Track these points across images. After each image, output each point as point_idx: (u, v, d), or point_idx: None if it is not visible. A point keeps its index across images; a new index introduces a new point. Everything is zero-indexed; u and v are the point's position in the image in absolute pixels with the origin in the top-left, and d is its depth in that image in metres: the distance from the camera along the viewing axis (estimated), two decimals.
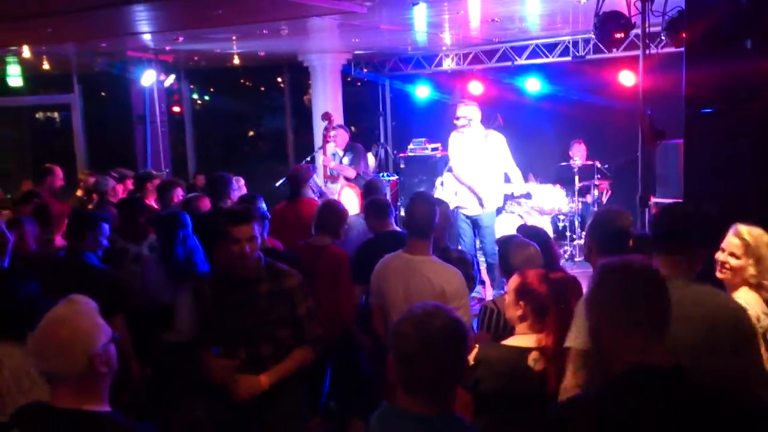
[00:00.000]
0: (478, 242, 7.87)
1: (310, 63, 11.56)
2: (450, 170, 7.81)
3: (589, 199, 9.59)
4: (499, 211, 8.05)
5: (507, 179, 7.78)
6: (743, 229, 3.34)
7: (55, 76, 12.84)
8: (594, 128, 10.18)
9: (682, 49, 4.66)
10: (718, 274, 3.33)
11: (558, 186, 9.70)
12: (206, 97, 15.04)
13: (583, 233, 6.87)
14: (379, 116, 13.33)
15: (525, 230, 4.34)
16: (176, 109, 13.91)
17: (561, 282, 3.02)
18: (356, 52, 11.66)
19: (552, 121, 10.91)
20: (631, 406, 1.83)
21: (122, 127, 13.10)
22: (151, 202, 6.77)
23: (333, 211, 4.75)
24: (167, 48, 10.39)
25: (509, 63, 10.73)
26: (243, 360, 3.55)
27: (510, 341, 3.05)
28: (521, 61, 10.64)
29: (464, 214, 7.53)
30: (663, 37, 6.26)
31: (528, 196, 9.79)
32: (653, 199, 7.34)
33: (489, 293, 7.06)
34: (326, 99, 11.39)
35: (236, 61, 11.49)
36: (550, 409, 2.07)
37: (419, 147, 10.93)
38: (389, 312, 3.95)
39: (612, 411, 1.84)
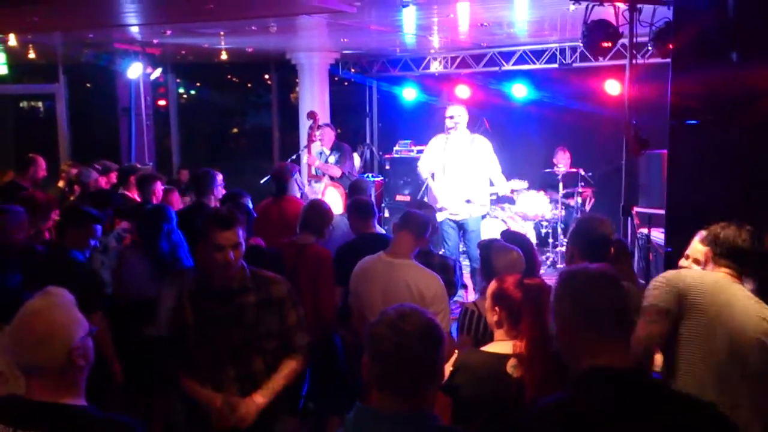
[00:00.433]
0: (462, 246, 7.89)
1: (298, 61, 11.55)
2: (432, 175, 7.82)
3: (572, 203, 9.64)
4: (483, 215, 8.07)
5: (491, 184, 7.82)
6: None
7: (40, 65, 12.72)
8: (579, 136, 10.23)
9: (669, 59, 4.70)
10: None
11: (542, 192, 9.75)
12: (192, 92, 14.96)
13: (566, 240, 6.94)
14: (366, 117, 13.34)
15: (508, 236, 4.35)
16: (162, 102, 13.83)
17: (536, 288, 3.02)
18: (344, 51, 11.66)
19: (537, 128, 10.96)
20: (589, 408, 1.87)
21: (107, 119, 13.00)
22: (135, 195, 6.74)
23: (318, 210, 4.75)
24: (155, 41, 10.33)
25: (497, 68, 10.77)
26: (232, 378, 3.25)
27: (489, 347, 3.05)
28: (508, 67, 10.68)
29: (450, 219, 7.54)
30: (650, 48, 6.31)
31: (511, 201, 9.84)
32: (636, 209, 7.41)
33: (471, 298, 7.07)
34: (313, 98, 11.38)
35: (224, 56, 11.45)
36: (517, 419, 2.08)
37: (405, 149, 10.95)
38: (367, 314, 3.96)
39: (576, 413, 1.88)
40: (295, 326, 3.36)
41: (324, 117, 10.57)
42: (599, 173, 9.82)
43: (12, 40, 9.52)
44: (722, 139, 4.36)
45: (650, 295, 3.00)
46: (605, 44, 5.84)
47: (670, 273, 3.09)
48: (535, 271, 4.16)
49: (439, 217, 7.36)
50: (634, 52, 5.89)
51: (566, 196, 9.60)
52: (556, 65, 10.14)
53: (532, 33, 9.47)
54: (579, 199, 9.58)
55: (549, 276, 4.89)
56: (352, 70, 12.53)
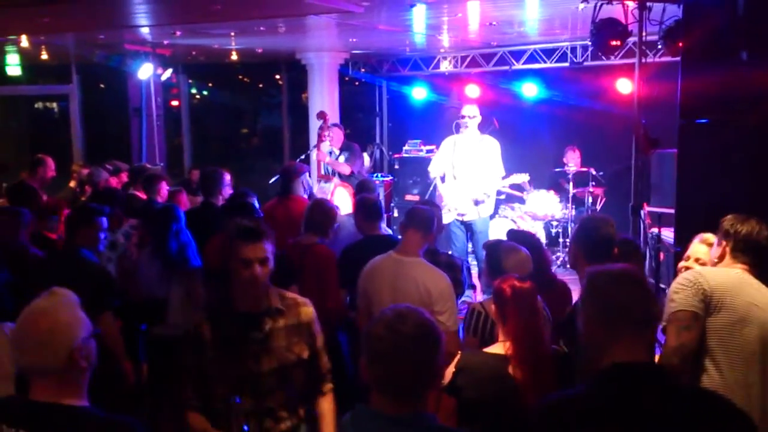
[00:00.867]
0: (470, 246, 7.87)
1: (308, 61, 11.55)
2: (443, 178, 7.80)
3: (585, 202, 9.58)
4: (491, 215, 8.05)
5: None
6: (709, 236, 3.44)
7: (53, 66, 12.81)
8: (590, 135, 10.18)
9: (679, 58, 4.66)
10: None
11: (552, 192, 9.70)
12: (204, 92, 15.02)
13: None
14: (376, 117, 13.32)
15: (515, 235, 4.33)
16: (174, 103, 13.88)
17: (524, 290, 3.01)
18: (354, 51, 11.66)
19: (548, 127, 10.91)
20: (612, 402, 1.90)
21: (119, 119, 13.09)
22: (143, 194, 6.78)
23: (322, 210, 4.74)
24: (165, 42, 10.36)
25: (507, 67, 10.72)
26: (249, 413, 2.88)
27: (491, 348, 3.05)
28: (519, 66, 10.64)
29: (458, 219, 7.52)
30: (660, 46, 6.26)
31: (521, 200, 9.80)
32: (647, 208, 7.35)
33: (479, 299, 7.05)
34: (323, 98, 11.38)
35: (234, 57, 11.47)
36: (533, 408, 2.10)
37: (414, 148, 10.93)
38: (374, 313, 3.95)
39: (592, 407, 1.91)
40: (322, 349, 3.11)
41: (334, 117, 10.57)
42: (610, 172, 9.76)
43: (25, 42, 9.58)
44: (732, 138, 4.33)
45: (676, 299, 2.98)
46: (614, 43, 5.80)
47: (691, 274, 3.07)
48: (546, 270, 4.14)
49: (447, 218, 7.34)
50: (645, 50, 5.85)
51: (577, 195, 9.55)
52: (566, 64, 10.08)
53: (543, 31, 9.43)
54: (590, 199, 9.53)
55: (561, 275, 4.84)
56: (362, 70, 12.52)
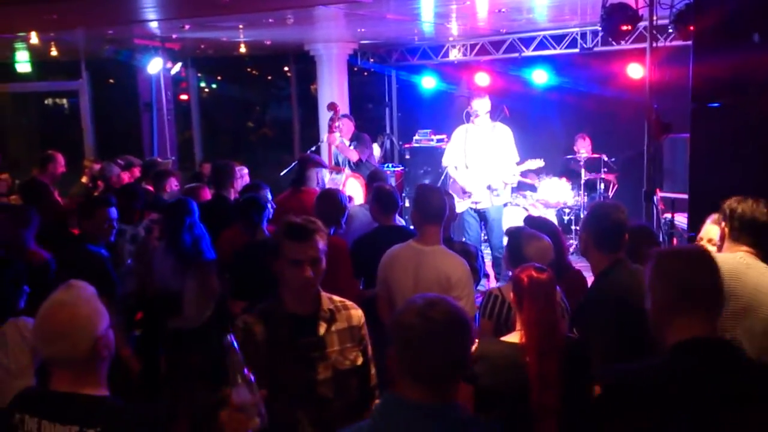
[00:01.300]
0: (483, 235, 7.86)
1: (317, 52, 11.54)
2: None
3: (597, 190, 9.54)
4: (504, 204, 8.03)
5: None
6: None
7: (63, 62, 12.86)
8: (601, 121, 10.13)
9: (690, 42, 4.63)
10: None
11: (564, 179, 9.67)
12: (213, 86, 15.04)
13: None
14: (385, 107, 13.31)
15: (532, 221, 4.30)
16: (183, 97, 13.91)
17: (541, 280, 3.00)
18: (362, 42, 11.63)
19: (558, 114, 10.86)
20: (691, 373, 1.97)
21: (129, 114, 13.14)
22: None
23: (331, 200, 4.73)
24: (174, 36, 10.38)
25: (516, 54, 10.67)
26: (305, 426, 2.69)
27: (509, 337, 3.04)
28: (528, 53, 10.58)
29: (472, 207, 7.51)
30: (671, 30, 6.22)
31: (533, 188, 9.77)
32: (660, 193, 7.32)
33: (493, 286, 7.05)
34: (332, 89, 11.37)
35: (243, 49, 11.48)
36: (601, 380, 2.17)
37: (425, 138, 10.91)
38: (396, 302, 3.96)
39: (671, 379, 1.97)
40: (371, 358, 2.93)
41: (343, 107, 10.56)
42: (622, 158, 9.71)
43: (34, 38, 9.62)
44: (745, 122, 4.30)
45: None
46: (625, 27, 5.77)
47: None
48: (563, 256, 4.12)
49: (461, 207, 7.33)
50: (656, 34, 5.82)
51: (589, 182, 9.51)
52: (576, 50, 10.02)
53: (552, 17, 9.37)
54: (602, 185, 9.49)
55: (574, 262, 4.83)
56: (371, 60, 12.50)
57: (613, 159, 9.58)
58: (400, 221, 5.35)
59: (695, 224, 4.58)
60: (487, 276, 6.66)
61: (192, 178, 8.09)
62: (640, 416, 1.96)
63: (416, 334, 1.88)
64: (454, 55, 11.56)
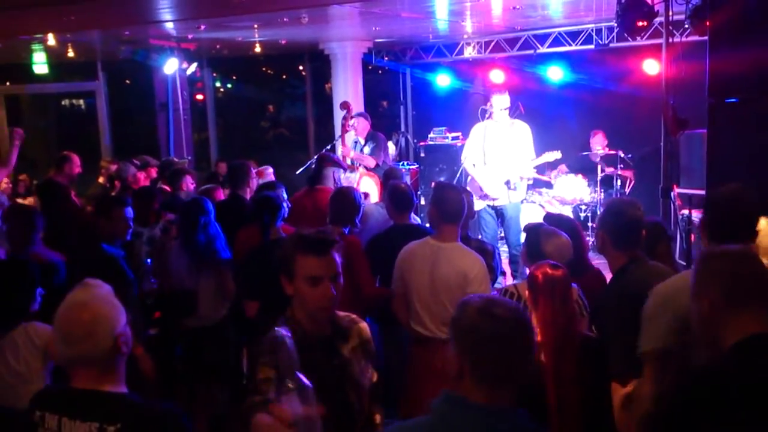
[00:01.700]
0: (501, 232, 7.84)
1: (331, 51, 11.55)
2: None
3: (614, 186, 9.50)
4: (521, 201, 8.02)
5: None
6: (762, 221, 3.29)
7: (79, 63, 12.93)
8: (617, 117, 10.08)
9: (706, 37, 4.60)
10: None
11: (580, 176, 9.63)
12: (229, 85, 15.09)
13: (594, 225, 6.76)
14: (400, 105, 13.30)
15: (551, 219, 4.28)
16: (199, 97, 13.98)
17: (556, 278, 2.99)
18: (377, 40, 11.63)
19: (574, 110, 10.81)
20: (751, 372, 1.94)
21: (146, 114, 13.20)
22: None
23: (345, 199, 4.71)
24: (189, 36, 10.43)
25: (531, 51, 10.62)
26: None
27: None
28: (544, 50, 10.54)
29: (489, 205, 7.50)
30: (687, 26, 6.17)
31: (549, 185, 9.73)
32: (677, 189, 7.27)
33: (510, 283, 7.04)
34: (347, 87, 11.39)
35: (258, 49, 11.51)
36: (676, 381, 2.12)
37: (440, 136, 10.89)
38: (412, 298, 3.97)
39: (733, 379, 1.95)
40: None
41: (358, 106, 10.56)
42: (639, 155, 9.66)
43: (51, 40, 9.70)
44: (762, 117, 4.28)
45: None
46: (640, 23, 5.74)
47: None
48: (584, 254, 4.10)
49: (479, 204, 7.32)
50: (672, 30, 5.78)
51: (605, 178, 9.46)
52: (592, 46, 9.97)
53: (567, 14, 9.33)
54: (618, 182, 9.44)
55: (592, 259, 4.79)
56: (386, 58, 12.49)
57: (629, 155, 9.53)
58: (416, 219, 5.35)
59: None
60: (503, 274, 6.64)
61: (208, 178, 8.13)
62: (710, 420, 1.93)
63: (482, 335, 1.85)
64: (469, 52, 11.53)
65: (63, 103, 15.14)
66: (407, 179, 9.00)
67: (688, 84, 5.77)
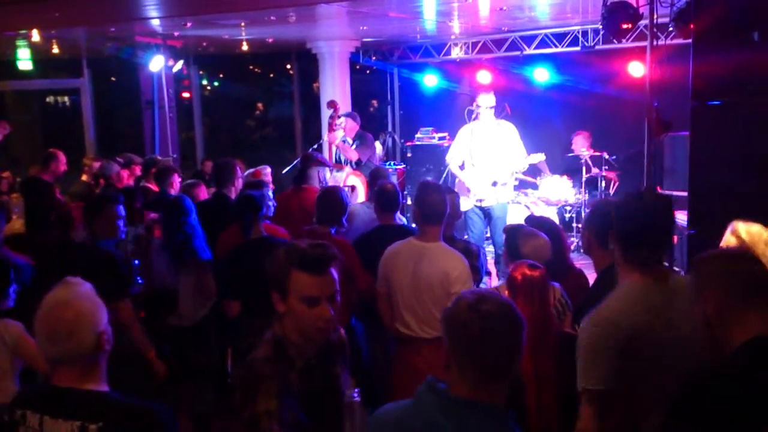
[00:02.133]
0: (488, 232, 7.86)
1: (319, 50, 11.54)
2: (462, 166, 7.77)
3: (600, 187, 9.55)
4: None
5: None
6: (741, 226, 3.29)
7: (64, 60, 12.87)
8: (603, 119, 10.13)
9: (690, 40, 4.63)
10: None
11: (565, 177, 9.68)
12: (215, 83, 15.05)
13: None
14: (387, 104, 13.31)
15: (533, 221, 4.31)
16: (186, 95, 13.92)
17: (534, 279, 3.01)
18: (365, 39, 11.63)
19: (560, 112, 10.86)
20: (760, 372, 1.94)
21: (131, 112, 13.14)
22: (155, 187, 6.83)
23: (332, 199, 4.72)
24: (176, 33, 10.38)
25: (518, 52, 10.66)
26: None
27: None
28: (530, 51, 10.58)
29: (476, 206, 7.52)
30: (671, 28, 6.22)
31: (534, 186, 9.77)
32: (660, 191, 7.31)
33: (495, 284, 7.06)
34: (334, 87, 11.38)
35: (245, 47, 11.48)
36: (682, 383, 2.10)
37: (426, 136, 10.91)
38: (395, 298, 3.98)
39: (742, 379, 1.95)
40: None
41: (345, 105, 10.56)
42: (623, 156, 9.72)
43: (36, 36, 9.62)
44: (745, 120, 4.31)
45: None
46: (625, 26, 5.77)
47: None
48: (564, 255, 4.13)
49: (466, 205, 7.34)
50: (657, 33, 5.82)
51: (590, 180, 9.52)
52: (578, 48, 10.02)
53: (554, 15, 9.37)
54: (603, 183, 9.50)
55: (576, 260, 4.82)
56: (373, 58, 12.49)
57: (614, 157, 9.59)
58: (401, 219, 5.36)
59: (695, 222, 4.60)
60: (489, 274, 6.67)
61: (194, 177, 8.11)
62: (718, 421, 1.93)
63: (466, 328, 1.87)
64: (456, 53, 11.56)
65: (48, 100, 15.04)
66: (394, 179, 9.01)
67: (672, 86, 5.80)
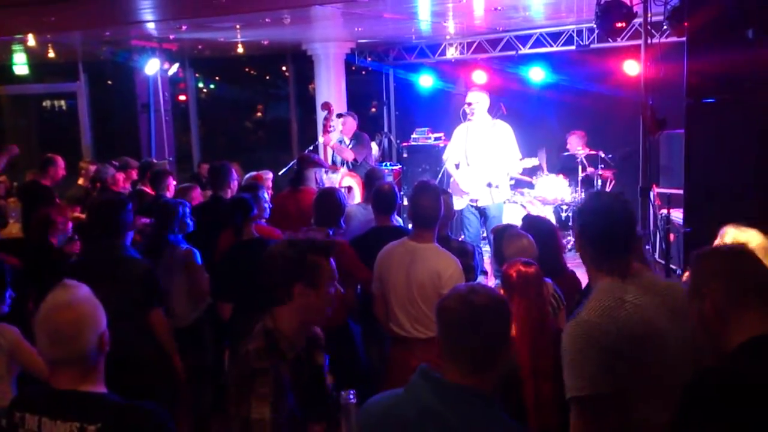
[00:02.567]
0: (484, 232, 7.87)
1: (314, 52, 11.54)
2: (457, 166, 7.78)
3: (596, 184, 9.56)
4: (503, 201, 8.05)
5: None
6: (732, 231, 3.29)
7: (60, 64, 12.85)
8: (598, 118, 10.15)
9: (685, 38, 4.65)
10: None
11: (561, 176, 9.69)
12: (211, 86, 15.04)
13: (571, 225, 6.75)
14: (383, 105, 13.31)
15: (530, 221, 4.32)
16: (182, 97, 13.92)
17: (528, 274, 3.03)
18: (360, 41, 11.64)
19: (556, 111, 10.87)
20: (758, 373, 1.93)
21: (127, 115, 13.11)
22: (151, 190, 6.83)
23: (329, 201, 4.73)
24: (171, 37, 10.39)
25: (513, 52, 10.68)
26: None
27: None
28: (525, 50, 10.59)
29: (472, 205, 7.53)
30: (665, 27, 6.24)
31: (530, 185, 9.79)
32: (656, 189, 7.34)
33: (491, 283, 7.06)
34: (330, 88, 11.39)
35: (240, 50, 11.48)
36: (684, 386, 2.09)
37: (422, 136, 10.91)
38: (390, 299, 3.99)
39: (740, 380, 1.94)
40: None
41: (341, 107, 10.57)
42: (619, 155, 9.73)
43: (31, 41, 9.63)
44: (739, 117, 4.33)
45: None
46: (619, 25, 5.79)
47: None
48: (559, 255, 4.14)
49: (461, 204, 7.35)
50: (652, 31, 5.84)
51: (586, 179, 9.53)
52: (573, 47, 10.03)
53: (549, 15, 9.39)
54: (599, 182, 9.51)
55: (571, 259, 4.82)
56: (368, 59, 12.50)
57: (610, 155, 9.60)
58: (398, 220, 5.37)
59: (691, 220, 4.61)
60: (485, 273, 6.67)
61: (190, 179, 8.11)
62: (717, 422, 1.92)
63: (455, 317, 1.97)
64: (452, 53, 11.57)
65: (44, 104, 15.02)
66: (390, 180, 9.01)
67: (667, 84, 5.82)
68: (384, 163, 10.76)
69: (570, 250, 9.16)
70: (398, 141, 12.00)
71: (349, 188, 7.09)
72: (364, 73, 13.22)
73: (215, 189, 5.90)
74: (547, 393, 2.80)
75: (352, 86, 12.08)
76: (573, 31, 10.01)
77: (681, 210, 5.24)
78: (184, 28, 9.34)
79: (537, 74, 10.46)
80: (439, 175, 8.39)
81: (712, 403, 1.94)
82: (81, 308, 2.16)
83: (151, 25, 9.27)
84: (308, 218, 4.89)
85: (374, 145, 10.18)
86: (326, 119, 8.13)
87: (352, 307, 4.59)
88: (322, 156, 8.25)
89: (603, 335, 2.30)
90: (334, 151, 8.12)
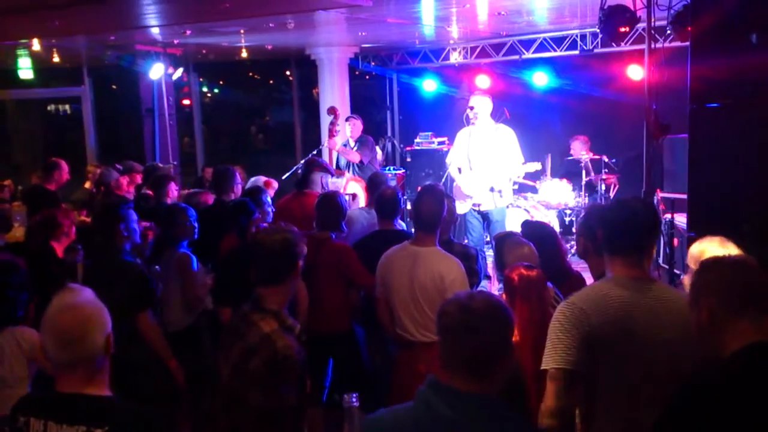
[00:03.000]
0: (487, 236, 7.87)
1: (318, 56, 11.57)
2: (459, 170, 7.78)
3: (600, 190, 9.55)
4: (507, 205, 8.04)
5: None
6: (692, 250, 3.28)
7: (65, 68, 12.90)
8: (602, 122, 10.14)
9: (688, 43, 4.65)
10: None
11: (565, 180, 9.68)
12: (215, 90, 15.08)
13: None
14: (386, 110, 13.33)
15: (529, 226, 4.32)
16: (186, 102, 13.95)
17: (530, 278, 3.04)
18: (363, 45, 11.65)
19: (559, 115, 10.87)
20: (752, 380, 1.97)
21: (132, 119, 13.16)
22: None
23: (331, 205, 4.73)
24: (175, 41, 10.42)
25: (517, 57, 10.68)
26: None
27: None
28: (529, 55, 10.60)
29: (475, 209, 7.53)
30: (669, 31, 6.23)
31: (534, 190, 9.78)
32: (660, 194, 7.34)
33: (495, 288, 7.05)
34: (333, 92, 11.41)
35: (244, 54, 11.51)
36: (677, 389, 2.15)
37: (426, 141, 10.93)
38: (393, 303, 3.99)
39: (734, 387, 1.97)
40: None
41: (345, 111, 10.58)
42: (623, 159, 9.72)
43: (36, 45, 9.66)
44: (743, 122, 4.31)
45: None
46: (623, 29, 5.78)
47: None
48: (561, 261, 4.13)
49: (464, 208, 7.35)
50: (655, 36, 5.83)
51: (590, 183, 9.52)
52: (576, 52, 10.02)
53: (552, 20, 9.39)
54: (603, 186, 9.50)
55: (575, 264, 4.82)
56: (372, 63, 12.51)
57: (614, 160, 9.59)
58: (401, 225, 5.37)
59: (695, 224, 4.60)
60: (488, 277, 6.67)
61: (194, 183, 8.12)
62: (711, 429, 1.96)
63: (452, 322, 1.99)
64: (455, 57, 11.58)
65: (49, 108, 15.08)
66: (392, 184, 9.02)
67: (670, 89, 5.81)
68: (388, 168, 10.77)
69: (573, 254, 9.16)
70: (402, 145, 12.01)
71: (354, 195, 7.09)
72: (367, 77, 13.24)
73: (219, 193, 5.91)
74: None
75: (356, 91, 12.11)
76: (576, 36, 10.00)
77: (685, 215, 5.22)
78: (188, 32, 9.37)
79: (540, 79, 10.46)
80: (443, 180, 8.40)
81: (704, 411, 1.97)
82: (87, 310, 2.17)
83: (155, 30, 9.29)
84: (312, 221, 4.90)
85: (378, 150, 10.19)
86: (332, 123, 8.14)
87: (356, 311, 4.60)
88: (326, 160, 8.27)
89: (586, 318, 2.45)
90: (339, 155, 8.13)
